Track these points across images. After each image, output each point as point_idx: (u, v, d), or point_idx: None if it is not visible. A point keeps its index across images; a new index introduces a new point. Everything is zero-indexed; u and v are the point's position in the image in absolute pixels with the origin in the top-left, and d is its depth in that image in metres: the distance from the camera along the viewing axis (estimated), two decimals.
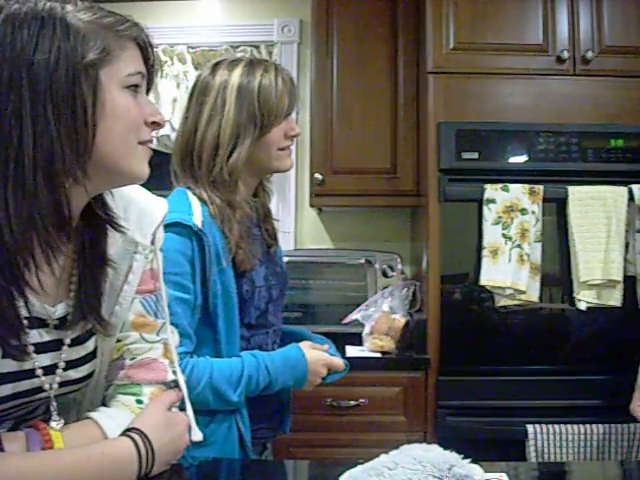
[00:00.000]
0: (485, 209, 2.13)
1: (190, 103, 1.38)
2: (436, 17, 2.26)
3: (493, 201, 2.13)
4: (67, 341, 0.86)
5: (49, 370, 0.84)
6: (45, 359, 0.84)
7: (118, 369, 0.92)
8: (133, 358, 0.93)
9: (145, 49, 0.85)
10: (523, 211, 2.12)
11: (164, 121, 0.87)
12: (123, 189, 0.93)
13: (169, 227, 1.20)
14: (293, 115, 1.42)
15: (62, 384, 0.86)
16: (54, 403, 0.85)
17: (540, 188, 2.14)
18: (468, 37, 2.25)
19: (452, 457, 0.80)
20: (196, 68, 2.94)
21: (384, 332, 2.27)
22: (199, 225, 1.26)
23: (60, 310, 0.85)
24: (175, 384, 0.96)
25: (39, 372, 0.82)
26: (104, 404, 0.91)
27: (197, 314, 1.28)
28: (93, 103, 0.76)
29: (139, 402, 0.90)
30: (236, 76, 1.34)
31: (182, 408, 0.96)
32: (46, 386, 0.84)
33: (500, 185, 2.14)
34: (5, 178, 0.72)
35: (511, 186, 2.14)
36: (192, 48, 2.94)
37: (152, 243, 0.95)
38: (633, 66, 2.23)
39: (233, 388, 1.27)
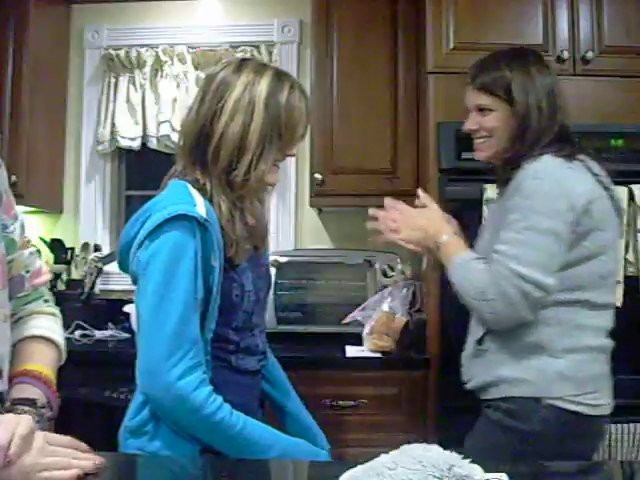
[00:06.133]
0: (485, 209, 2.13)
1: (206, 95, 1.33)
2: (436, 17, 2.26)
3: (493, 201, 2.13)
4: None
5: None
6: None
7: (20, 284, 1.13)
8: (27, 271, 1.15)
9: None
10: None
11: None
12: None
13: (172, 220, 1.19)
14: None
15: None
16: None
17: None
18: (468, 37, 2.25)
19: (452, 457, 0.80)
20: (196, 68, 2.94)
21: (384, 332, 2.27)
22: (204, 215, 1.23)
23: None
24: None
25: None
26: (21, 318, 1.13)
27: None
28: None
29: (46, 301, 1.18)
30: (265, 84, 1.32)
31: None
32: None
33: None
34: None
35: None
36: (192, 48, 2.95)
37: None
38: (633, 66, 2.23)
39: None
